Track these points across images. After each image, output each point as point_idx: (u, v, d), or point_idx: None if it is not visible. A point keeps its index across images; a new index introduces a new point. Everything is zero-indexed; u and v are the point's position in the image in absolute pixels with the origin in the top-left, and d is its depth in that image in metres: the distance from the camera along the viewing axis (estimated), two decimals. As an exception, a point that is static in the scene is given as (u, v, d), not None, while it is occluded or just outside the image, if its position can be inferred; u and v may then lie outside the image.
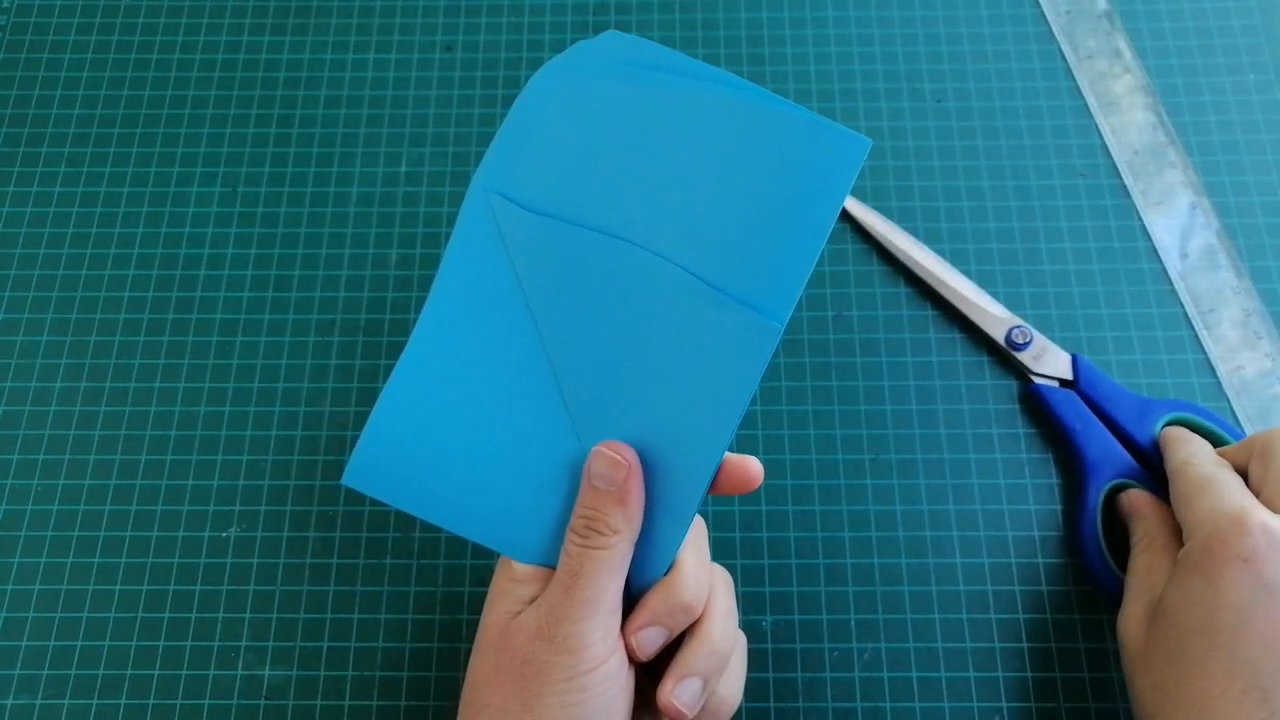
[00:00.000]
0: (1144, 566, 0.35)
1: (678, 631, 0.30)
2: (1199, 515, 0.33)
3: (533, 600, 0.30)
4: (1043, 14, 0.49)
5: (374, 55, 0.49)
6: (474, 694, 0.29)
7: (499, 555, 0.31)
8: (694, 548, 0.31)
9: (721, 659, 0.30)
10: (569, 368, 0.30)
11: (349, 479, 0.31)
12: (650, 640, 0.29)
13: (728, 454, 0.30)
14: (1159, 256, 0.44)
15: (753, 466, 0.31)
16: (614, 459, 0.29)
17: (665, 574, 0.30)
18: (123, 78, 0.48)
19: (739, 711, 0.37)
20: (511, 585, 0.30)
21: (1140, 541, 0.36)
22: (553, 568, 0.30)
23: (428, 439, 0.31)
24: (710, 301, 0.29)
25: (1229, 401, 0.41)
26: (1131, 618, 0.33)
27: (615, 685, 0.28)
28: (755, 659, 0.38)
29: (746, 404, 0.29)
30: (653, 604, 0.30)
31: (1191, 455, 0.36)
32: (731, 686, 0.32)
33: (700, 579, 0.30)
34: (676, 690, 0.29)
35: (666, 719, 0.29)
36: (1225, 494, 0.33)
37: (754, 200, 0.29)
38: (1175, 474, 0.36)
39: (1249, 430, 0.41)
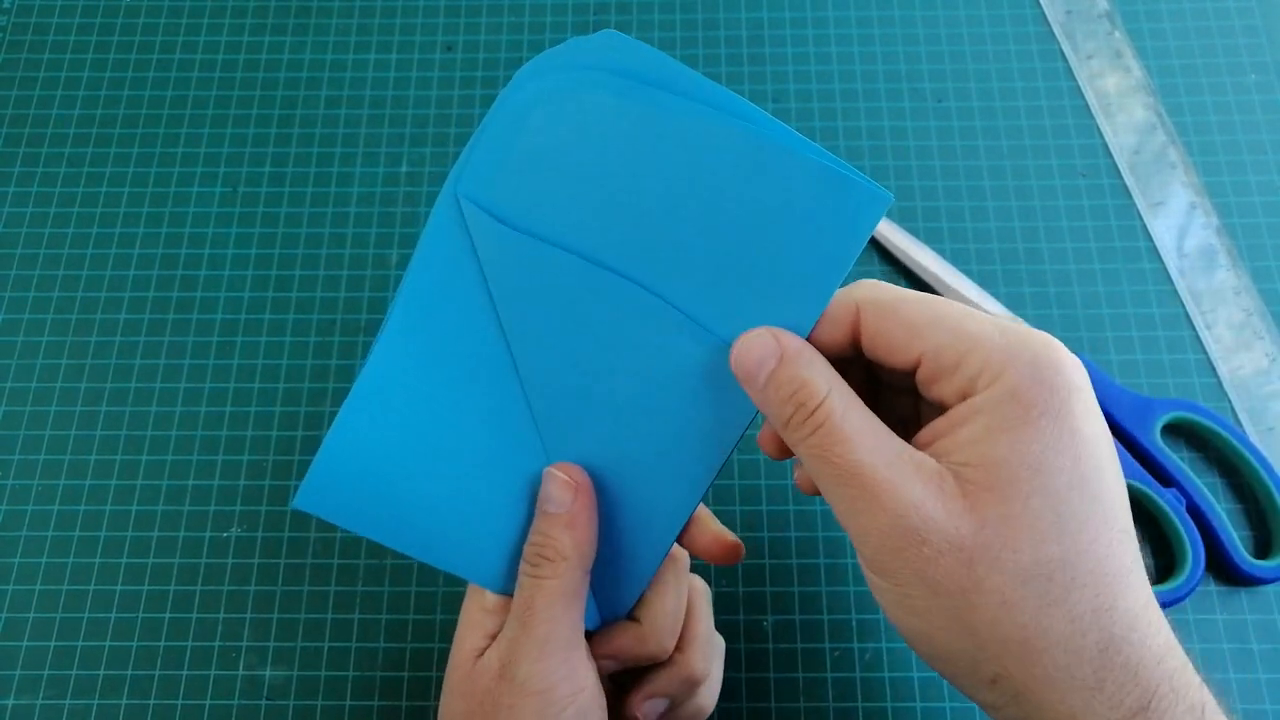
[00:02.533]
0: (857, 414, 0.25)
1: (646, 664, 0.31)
2: (995, 342, 0.24)
3: (496, 635, 0.28)
4: (1043, 14, 0.49)
5: (374, 55, 0.49)
6: None
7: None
8: (673, 591, 0.30)
9: (695, 685, 0.31)
10: (542, 391, 0.29)
11: (300, 502, 0.28)
12: (615, 668, 0.30)
13: (721, 527, 0.30)
14: (1159, 256, 0.44)
15: (735, 549, 0.31)
16: (564, 480, 0.28)
17: (636, 606, 0.30)
18: (123, 78, 0.48)
19: (741, 713, 0.37)
20: (482, 616, 0.29)
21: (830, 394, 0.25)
22: None
23: (390, 458, 0.28)
24: (700, 343, 0.27)
25: (1230, 401, 0.41)
26: (946, 491, 0.24)
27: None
28: (756, 659, 0.38)
29: (730, 449, 0.28)
30: (619, 645, 0.30)
31: (870, 284, 0.27)
32: (710, 694, 0.32)
33: (675, 622, 0.30)
34: (645, 708, 0.30)
35: None
36: (993, 318, 0.26)
37: (756, 244, 0.27)
38: (879, 301, 0.26)
39: (1250, 430, 0.41)
